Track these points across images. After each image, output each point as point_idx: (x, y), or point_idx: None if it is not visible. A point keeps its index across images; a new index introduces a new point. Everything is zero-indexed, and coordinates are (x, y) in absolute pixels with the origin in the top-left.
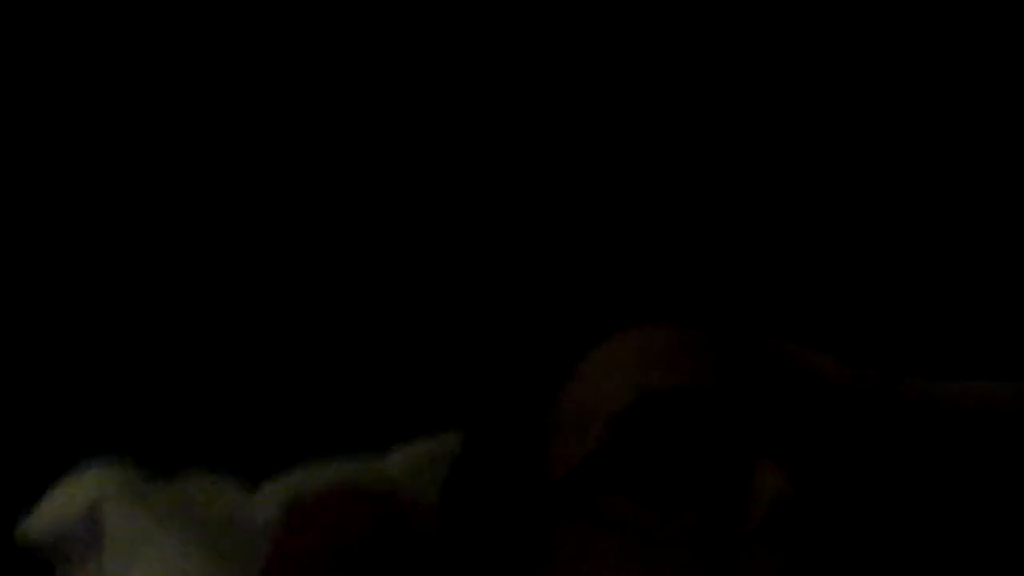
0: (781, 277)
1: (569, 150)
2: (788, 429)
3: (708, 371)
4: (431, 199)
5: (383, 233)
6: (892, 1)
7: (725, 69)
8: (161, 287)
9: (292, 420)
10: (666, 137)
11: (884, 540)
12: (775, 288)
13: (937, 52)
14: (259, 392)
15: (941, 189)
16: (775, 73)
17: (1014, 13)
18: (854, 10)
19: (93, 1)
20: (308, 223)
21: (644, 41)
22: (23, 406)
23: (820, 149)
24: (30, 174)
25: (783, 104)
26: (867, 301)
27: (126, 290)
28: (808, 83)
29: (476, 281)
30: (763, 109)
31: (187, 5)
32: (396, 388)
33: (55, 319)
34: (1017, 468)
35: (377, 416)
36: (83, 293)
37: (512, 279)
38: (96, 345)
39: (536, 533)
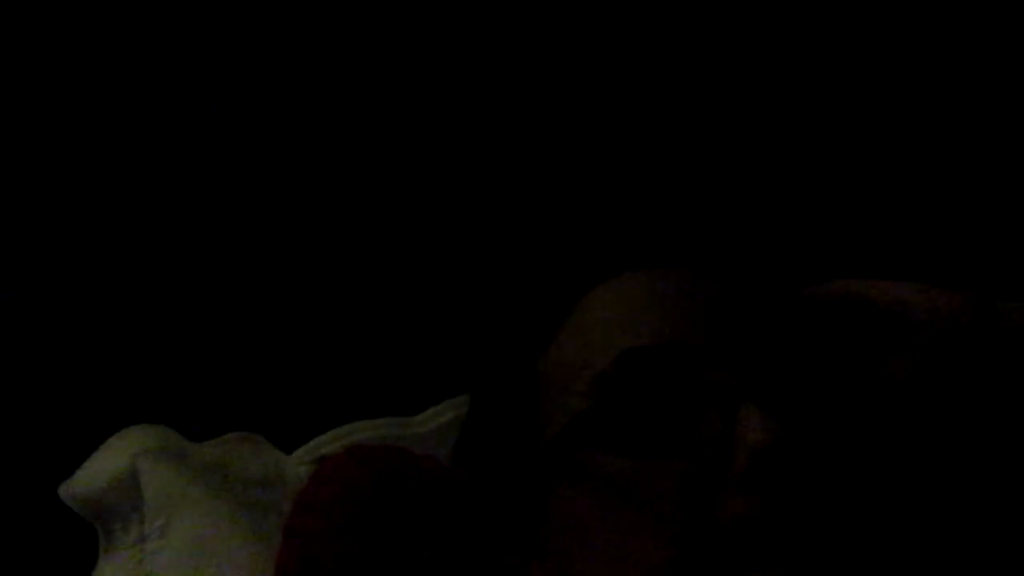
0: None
1: (557, 108)
2: (779, 374)
3: (694, 320)
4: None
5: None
6: None
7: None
8: (195, 264)
9: (327, 395)
10: (659, 81)
11: (878, 487)
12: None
13: None
14: (297, 372)
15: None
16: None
17: None
18: None
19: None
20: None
21: None
22: (66, 381)
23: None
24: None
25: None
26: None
27: (161, 264)
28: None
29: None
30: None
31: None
32: (424, 358)
33: (96, 293)
34: None
35: (408, 384)
36: (119, 267)
37: (506, 232)
38: (135, 322)
39: (533, 492)
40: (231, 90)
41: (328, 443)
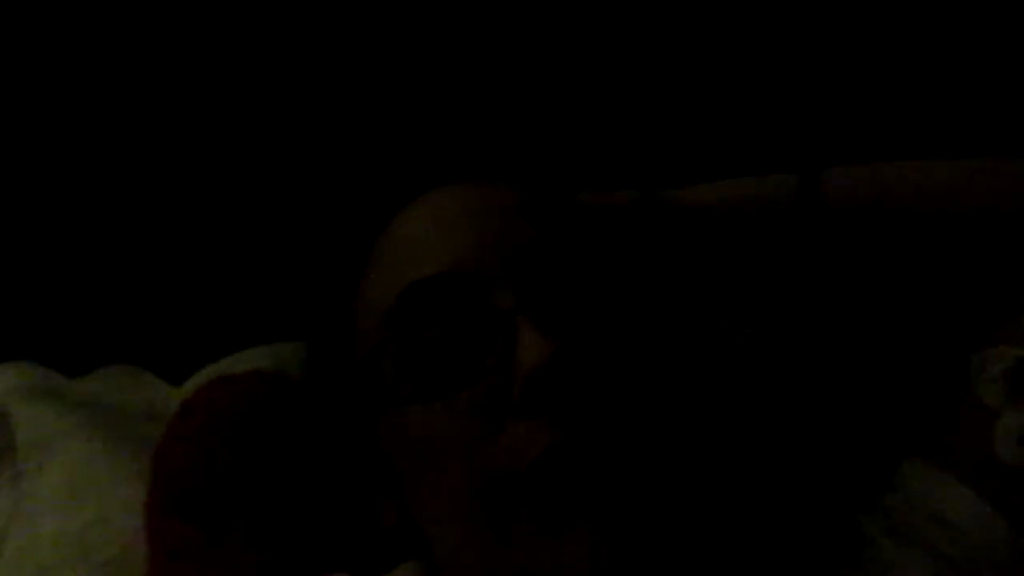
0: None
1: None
2: (570, 290)
3: (480, 243)
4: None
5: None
6: None
7: None
8: (69, 190)
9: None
10: None
11: (662, 385)
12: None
13: None
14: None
15: None
16: None
17: None
18: None
19: None
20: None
21: None
22: None
23: None
24: None
25: None
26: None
27: (31, 189)
28: None
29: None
30: None
31: None
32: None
33: None
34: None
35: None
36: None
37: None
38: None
39: (364, 422)
40: None
41: (220, 372)
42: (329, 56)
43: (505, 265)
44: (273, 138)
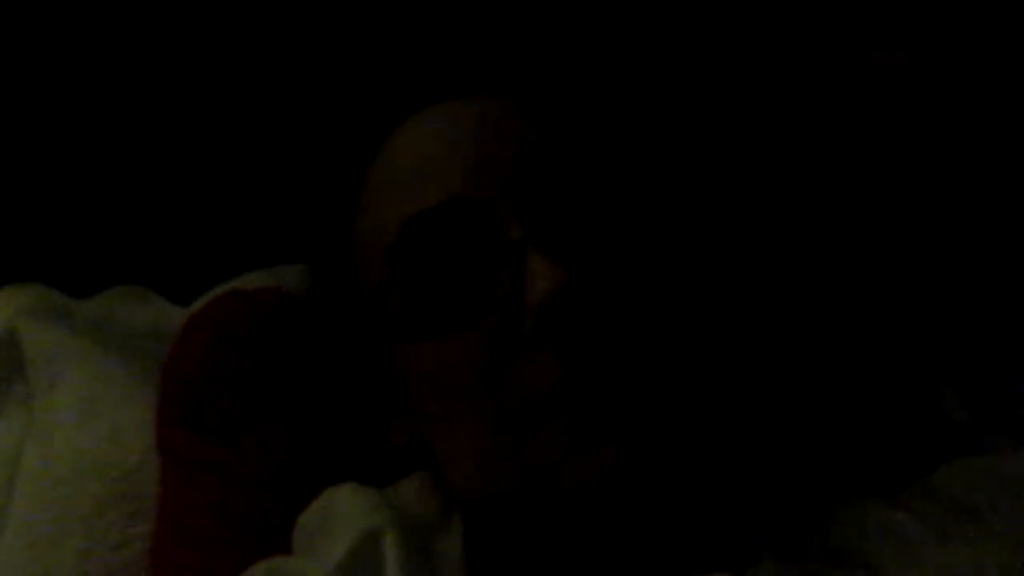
0: None
1: None
2: (577, 210)
3: (483, 169)
4: None
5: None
6: None
7: None
8: (76, 114)
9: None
10: None
11: (674, 320)
12: None
13: None
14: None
15: None
16: None
17: None
18: None
19: None
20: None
21: None
22: None
23: None
24: None
25: None
26: None
27: (36, 113)
28: None
29: None
30: None
31: None
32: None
33: None
34: None
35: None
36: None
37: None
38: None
39: (370, 348)
40: None
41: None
42: None
43: (510, 191)
44: (266, 52)
